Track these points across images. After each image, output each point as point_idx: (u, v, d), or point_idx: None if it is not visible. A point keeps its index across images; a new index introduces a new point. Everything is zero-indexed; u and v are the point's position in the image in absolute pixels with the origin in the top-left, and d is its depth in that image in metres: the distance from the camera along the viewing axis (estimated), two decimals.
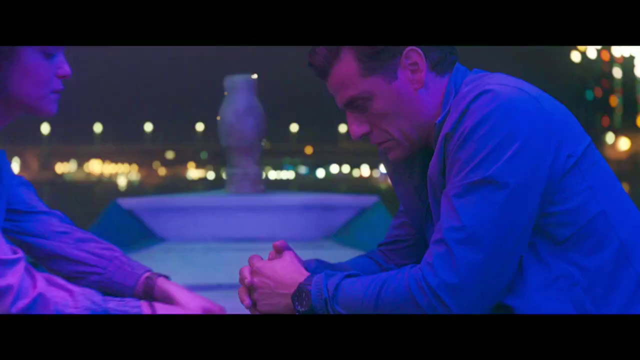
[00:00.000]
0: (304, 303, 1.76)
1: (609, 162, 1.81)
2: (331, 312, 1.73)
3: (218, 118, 6.71)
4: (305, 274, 1.83)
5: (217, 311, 1.85)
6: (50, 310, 1.59)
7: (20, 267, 1.59)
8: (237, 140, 6.59)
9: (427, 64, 1.79)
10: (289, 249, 1.90)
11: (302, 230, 6.36)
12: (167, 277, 1.96)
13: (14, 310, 1.57)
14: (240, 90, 6.59)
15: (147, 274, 1.94)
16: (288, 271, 1.84)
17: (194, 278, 4.54)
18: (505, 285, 1.68)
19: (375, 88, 1.79)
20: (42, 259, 1.91)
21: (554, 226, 1.70)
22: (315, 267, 1.94)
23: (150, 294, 1.92)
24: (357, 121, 1.83)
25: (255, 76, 6.60)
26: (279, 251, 1.89)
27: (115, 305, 1.69)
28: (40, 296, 1.59)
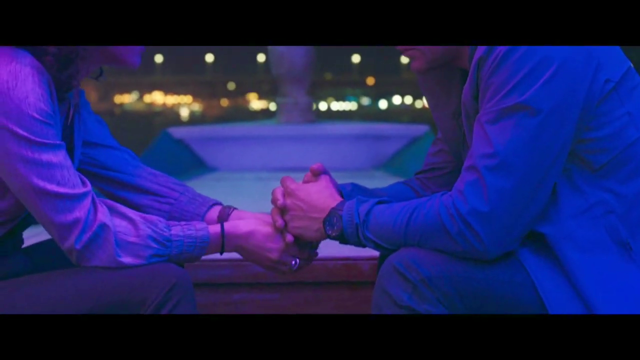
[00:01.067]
0: (335, 228, 1.73)
1: None
2: (362, 239, 1.71)
3: (269, 47, 6.68)
4: (338, 199, 1.80)
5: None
6: (111, 240, 1.61)
7: (88, 200, 1.61)
8: (287, 70, 6.56)
9: None
10: (325, 172, 1.87)
11: (352, 159, 6.34)
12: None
13: (78, 246, 1.60)
14: None
15: (220, 205, 1.94)
16: (322, 195, 1.82)
17: (243, 207, 4.55)
18: (537, 213, 1.64)
19: None
20: (114, 191, 1.93)
21: (591, 153, 1.65)
22: (350, 190, 1.91)
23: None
24: None
25: None
26: (315, 174, 1.86)
27: (179, 231, 1.70)
28: (102, 227, 1.61)
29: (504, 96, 1.61)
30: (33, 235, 1.91)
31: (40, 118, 1.57)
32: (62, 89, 1.69)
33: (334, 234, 1.74)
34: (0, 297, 1.63)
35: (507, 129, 1.60)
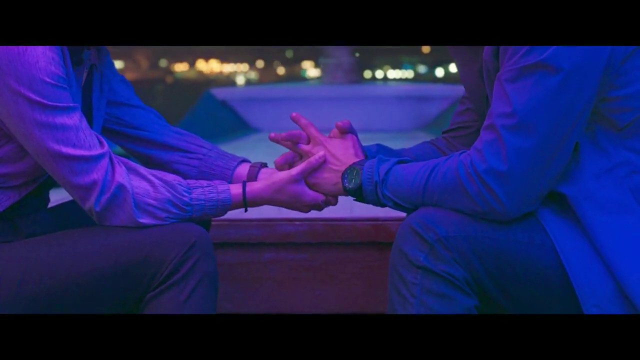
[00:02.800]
0: (353, 182, 1.73)
1: None
2: (380, 197, 1.70)
3: None
4: (361, 157, 1.80)
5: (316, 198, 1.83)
6: (130, 201, 1.63)
7: (105, 161, 1.63)
8: None
9: None
10: (352, 132, 1.86)
11: (396, 120, 6.31)
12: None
13: (98, 207, 1.62)
14: None
15: (249, 163, 1.95)
16: (345, 151, 1.82)
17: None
18: (558, 173, 1.61)
19: None
20: (142, 149, 1.94)
21: (615, 111, 1.62)
22: (375, 152, 1.90)
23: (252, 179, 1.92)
24: None
25: None
26: (342, 132, 1.85)
27: (200, 194, 1.70)
28: (120, 187, 1.62)
29: (524, 54, 1.57)
30: (60, 198, 1.94)
31: (52, 81, 1.58)
32: (76, 51, 1.70)
33: (351, 187, 1.74)
34: (25, 252, 1.65)
35: (526, 88, 1.57)
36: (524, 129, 1.57)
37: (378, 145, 1.92)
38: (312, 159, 1.81)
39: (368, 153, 1.87)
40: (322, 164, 1.82)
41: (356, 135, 1.87)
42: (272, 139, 1.89)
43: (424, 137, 6.06)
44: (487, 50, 1.68)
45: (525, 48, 1.57)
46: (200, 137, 2.01)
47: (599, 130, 1.63)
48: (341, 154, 1.82)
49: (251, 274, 2.40)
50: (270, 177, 1.81)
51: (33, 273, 1.62)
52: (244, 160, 1.95)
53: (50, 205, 1.85)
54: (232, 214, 1.84)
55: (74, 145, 1.60)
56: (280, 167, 1.89)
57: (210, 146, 1.97)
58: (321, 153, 1.82)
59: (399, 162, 1.72)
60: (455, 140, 2.01)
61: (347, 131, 1.85)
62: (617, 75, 1.59)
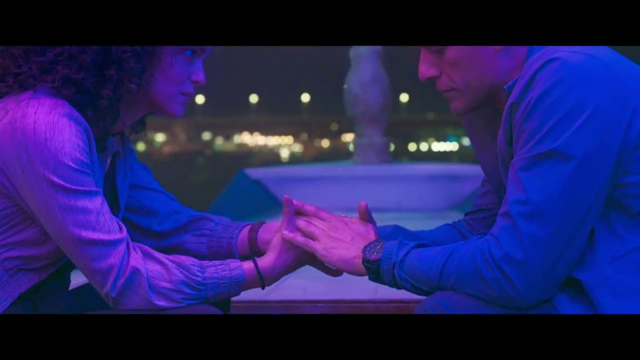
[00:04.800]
0: (374, 255, 1.73)
1: None
2: (397, 278, 1.71)
3: (345, 87, 6.73)
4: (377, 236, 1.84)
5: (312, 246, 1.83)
6: (144, 285, 1.66)
7: (123, 246, 1.66)
8: (363, 110, 6.60)
9: None
10: (371, 218, 1.88)
11: (428, 200, 6.31)
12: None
13: (114, 293, 1.65)
14: (365, 60, 6.58)
15: (249, 226, 1.98)
16: (366, 228, 1.85)
17: None
18: (574, 260, 1.61)
19: None
20: (153, 243, 1.98)
21: (629, 197, 1.62)
22: (390, 232, 1.92)
23: (254, 243, 1.95)
24: (428, 62, 1.78)
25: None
26: (364, 217, 1.87)
27: (213, 273, 1.73)
28: (135, 272, 1.66)
29: (536, 142, 1.59)
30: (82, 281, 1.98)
31: (76, 167, 1.63)
32: (100, 138, 1.75)
33: (372, 259, 1.73)
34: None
35: (540, 175, 1.58)
36: (539, 217, 1.57)
37: (395, 226, 1.94)
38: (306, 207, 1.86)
39: (383, 233, 1.88)
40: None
41: (373, 221, 1.89)
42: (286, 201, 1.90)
43: (456, 217, 6.04)
44: (501, 137, 1.70)
45: (538, 136, 1.58)
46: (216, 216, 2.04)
47: (613, 215, 1.63)
48: (364, 230, 1.84)
49: None
50: (275, 244, 1.84)
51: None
52: (247, 225, 1.99)
53: (71, 287, 1.89)
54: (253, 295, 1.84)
55: (93, 229, 1.64)
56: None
57: (217, 219, 2.01)
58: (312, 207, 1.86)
59: (418, 246, 1.73)
60: (476, 222, 2.02)
61: (367, 216, 1.87)
62: (629, 161, 1.60)
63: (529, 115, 1.60)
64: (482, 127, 1.88)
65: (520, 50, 1.72)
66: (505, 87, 1.70)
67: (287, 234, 1.83)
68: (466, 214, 2.05)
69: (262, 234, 1.95)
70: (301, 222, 1.85)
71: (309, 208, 1.89)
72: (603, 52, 1.64)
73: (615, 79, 1.59)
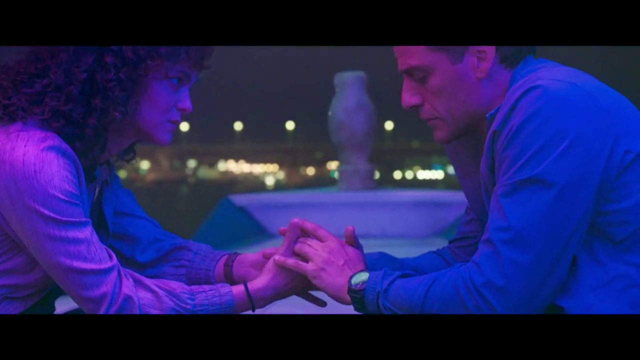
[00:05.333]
0: (360, 285, 1.75)
1: None
2: (381, 307, 1.72)
3: (329, 114, 6.75)
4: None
5: (293, 265, 1.84)
6: (136, 313, 1.67)
7: (114, 274, 1.67)
8: (347, 137, 6.61)
9: (497, 56, 1.73)
10: (358, 244, 1.89)
11: (413, 227, 6.32)
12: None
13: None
14: (349, 87, 6.60)
15: (225, 256, 2.00)
16: (355, 254, 1.85)
17: None
18: (556, 287, 1.62)
19: (437, 64, 1.74)
20: (137, 260, 2.00)
21: (611, 225, 1.62)
22: (376, 259, 1.93)
23: (230, 277, 1.97)
24: (411, 91, 1.80)
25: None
26: (349, 240, 1.88)
27: (203, 299, 1.74)
28: (127, 300, 1.67)
29: (518, 169, 1.60)
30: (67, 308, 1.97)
31: (65, 198, 1.64)
32: (89, 169, 1.77)
33: (357, 289, 1.75)
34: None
35: (521, 202, 1.59)
36: (520, 243, 1.58)
37: (380, 253, 1.95)
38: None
39: (370, 260, 1.89)
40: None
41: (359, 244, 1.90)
42: (281, 233, 1.92)
43: (441, 244, 6.05)
44: (483, 165, 1.71)
45: (519, 163, 1.59)
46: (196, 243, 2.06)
47: (595, 243, 1.63)
48: (353, 255, 1.84)
49: None
50: (268, 267, 1.85)
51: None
52: (224, 255, 2.00)
53: (56, 313, 1.88)
54: None
55: (85, 259, 1.64)
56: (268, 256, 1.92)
57: (196, 248, 2.02)
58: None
59: (402, 276, 1.74)
60: (460, 250, 2.03)
61: (354, 241, 1.88)
62: (612, 189, 1.61)
63: (510, 143, 1.61)
64: (465, 155, 1.90)
65: (503, 78, 1.74)
66: (487, 115, 1.71)
67: (279, 258, 1.84)
68: (450, 242, 2.06)
69: (237, 269, 1.97)
70: (297, 245, 1.87)
71: (309, 225, 1.90)
72: (585, 80, 1.65)
73: (598, 107, 1.60)
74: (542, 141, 1.58)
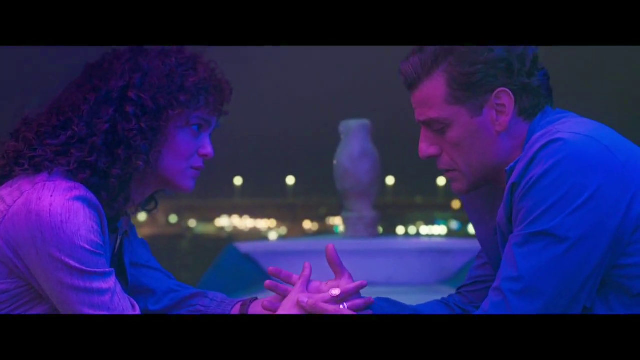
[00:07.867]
0: None
1: None
2: None
3: (334, 162, 6.76)
4: None
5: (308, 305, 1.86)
6: None
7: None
8: (352, 184, 6.61)
9: (515, 108, 1.75)
10: (341, 266, 1.96)
11: (418, 274, 6.28)
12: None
13: None
14: (354, 135, 6.62)
15: (241, 302, 2.02)
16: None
17: None
18: None
19: (456, 117, 1.76)
20: (150, 309, 2.02)
21: (629, 278, 1.64)
22: (383, 306, 1.95)
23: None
24: (429, 141, 1.81)
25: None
26: (331, 261, 1.96)
27: None
28: None
29: (532, 221, 1.61)
30: None
31: (91, 249, 1.65)
32: (112, 219, 1.79)
33: None
34: None
35: (533, 254, 1.61)
36: (529, 294, 1.60)
37: (387, 299, 1.96)
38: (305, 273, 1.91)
39: (375, 307, 1.90)
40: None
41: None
42: (271, 273, 1.94)
43: (446, 291, 6.04)
44: (501, 214, 1.72)
45: (534, 215, 1.61)
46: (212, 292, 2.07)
47: (612, 295, 1.65)
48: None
49: None
50: (285, 305, 1.87)
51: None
52: (239, 301, 2.03)
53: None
54: None
55: (108, 309, 1.66)
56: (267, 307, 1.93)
57: (212, 295, 2.05)
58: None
59: None
60: (471, 294, 2.04)
61: (336, 261, 1.95)
62: (629, 243, 1.62)
63: (527, 194, 1.62)
64: (480, 202, 1.91)
65: (521, 130, 1.76)
66: (506, 168, 1.72)
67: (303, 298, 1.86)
68: (460, 288, 2.07)
69: (254, 310, 1.98)
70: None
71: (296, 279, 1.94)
72: (604, 134, 1.66)
73: (615, 162, 1.61)
74: (559, 195, 1.59)
